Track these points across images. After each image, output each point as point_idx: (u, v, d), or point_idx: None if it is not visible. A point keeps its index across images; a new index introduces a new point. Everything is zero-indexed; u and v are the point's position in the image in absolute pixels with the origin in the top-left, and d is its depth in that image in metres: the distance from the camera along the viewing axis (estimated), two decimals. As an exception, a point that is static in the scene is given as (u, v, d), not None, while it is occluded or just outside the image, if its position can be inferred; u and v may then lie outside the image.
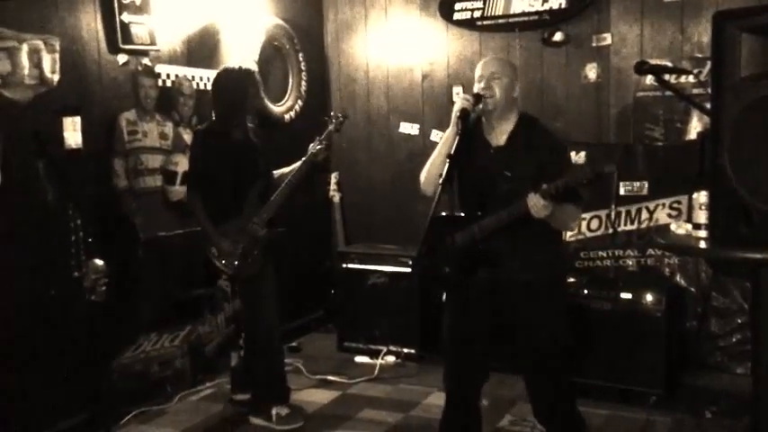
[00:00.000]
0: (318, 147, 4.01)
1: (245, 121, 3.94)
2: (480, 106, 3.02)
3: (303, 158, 4.01)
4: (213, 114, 4.02)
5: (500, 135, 3.09)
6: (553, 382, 3.15)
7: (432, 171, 3.09)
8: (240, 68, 3.96)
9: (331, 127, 4.13)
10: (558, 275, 3.27)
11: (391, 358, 4.94)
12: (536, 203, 2.83)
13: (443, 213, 3.16)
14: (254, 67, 4.69)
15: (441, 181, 2.84)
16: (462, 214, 3.13)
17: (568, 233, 4.77)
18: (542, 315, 3.08)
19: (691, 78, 4.46)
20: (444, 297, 3.35)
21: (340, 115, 4.18)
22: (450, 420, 3.25)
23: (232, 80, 3.88)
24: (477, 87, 3.07)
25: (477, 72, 3.10)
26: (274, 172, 4.06)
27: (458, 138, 2.93)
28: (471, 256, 3.04)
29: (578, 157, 4.72)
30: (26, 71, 3.52)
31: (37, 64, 3.57)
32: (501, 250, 3.01)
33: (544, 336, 3.08)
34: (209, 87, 4.68)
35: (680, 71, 4.47)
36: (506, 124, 3.09)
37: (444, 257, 3.05)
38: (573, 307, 4.20)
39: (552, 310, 3.12)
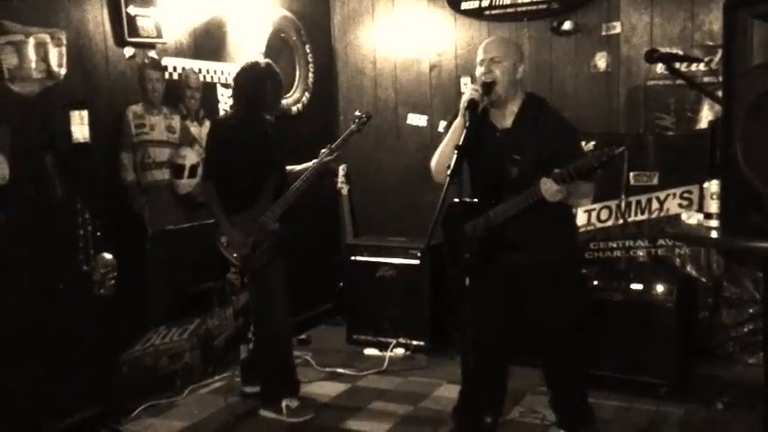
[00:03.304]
0: (328, 154, 3.97)
1: (262, 116, 3.92)
2: (489, 97, 3.01)
3: (315, 161, 3.98)
4: (232, 107, 4.00)
5: (505, 117, 3.10)
6: (570, 364, 3.20)
7: (441, 160, 3.10)
8: (261, 64, 3.93)
9: (353, 126, 4.07)
10: (572, 254, 3.30)
11: (400, 350, 4.92)
12: (549, 188, 2.86)
13: (456, 200, 3.17)
14: (263, 59, 4.66)
15: (449, 172, 2.82)
16: (476, 200, 3.13)
17: (578, 223, 4.75)
18: (559, 293, 3.13)
19: (702, 66, 4.42)
20: (467, 282, 3.36)
21: (363, 115, 4.10)
22: (471, 405, 3.27)
23: (251, 75, 3.85)
24: (478, 71, 3.06)
25: (479, 55, 3.09)
26: (287, 167, 4.04)
27: (466, 129, 2.91)
28: (489, 242, 3.06)
29: (588, 147, 4.69)
30: (33, 65, 3.51)
31: (44, 57, 3.56)
32: (517, 234, 3.04)
33: (562, 313, 3.12)
34: (215, 80, 4.69)
35: (691, 59, 4.42)
36: (511, 106, 3.09)
37: (463, 244, 3.05)
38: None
39: (569, 287, 3.19)
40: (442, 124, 5.37)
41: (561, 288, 3.17)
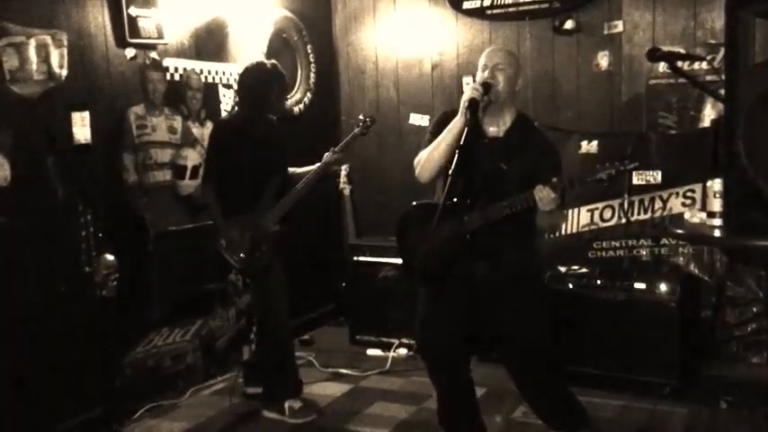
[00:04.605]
0: (331, 157, 3.98)
1: (267, 116, 3.92)
2: (489, 96, 2.99)
3: (317, 164, 3.98)
4: (236, 107, 4.00)
5: (497, 127, 3.06)
6: (540, 377, 3.12)
7: (433, 158, 3.02)
8: (267, 64, 3.92)
9: (356, 130, 4.09)
10: (537, 270, 3.24)
11: (403, 351, 4.92)
12: (546, 195, 2.81)
13: (418, 202, 3.14)
14: (267, 60, 4.65)
15: (450, 172, 2.80)
16: (447, 203, 3.03)
17: (581, 222, 4.74)
18: (524, 310, 3.04)
19: (704, 65, 4.41)
20: (422, 292, 3.27)
21: (368, 119, 4.12)
22: (448, 409, 3.22)
23: (257, 75, 3.85)
24: (480, 77, 3.03)
25: (482, 61, 3.06)
26: (289, 169, 4.03)
27: (467, 128, 2.89)
28: (458, 249, 2.99)
29: (590, 147, 4.68)
30: (34, 66, 3.51)
31: (45, 59, 3.56)
32: (486, 244, 2.97)
33: (527, 331, 3.04)
34: (217, 81, 4.69)
35: (693, 58, 4.42)
36: (505, 117, 3.06)
37: (421, 248, 2.97)
38: (586, 297, 4.20)
39: (533, 304, 3.09)
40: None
41: (525, 304, 3.06)
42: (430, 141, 3.09)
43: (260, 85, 3.83)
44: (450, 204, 2.94)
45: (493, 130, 3.07)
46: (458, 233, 2.97)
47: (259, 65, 3.93)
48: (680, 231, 3.27)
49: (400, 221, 3.23)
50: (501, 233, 2.94)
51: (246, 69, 3.92)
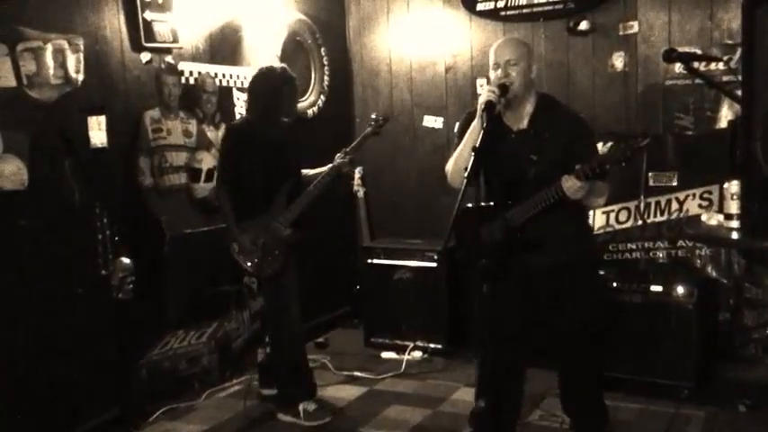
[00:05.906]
0: (342, 160, 3.97)
1: (279, 120, 3.91)
2: (507, 97, 2.99)
3: (328, 166, 3.97)
4: (247, 112, 4.01)
5: (520, 119, 3.08)
6: (587, 365, 3.17)
7: (458, 163, 3.07)
8: (276, 69, 3.92)
9: (368, 130, 4.08)
10: (590, 254, 3.26)
11: (418, 353, 4.90)
12: (572, 185, 2.83)
13: (470, 204, 3.16)
14: (278, 63, 4.67)
15: (466, 174, 2.81)
16: (491, 204, 3.09)
17: (597, 224, 4.72)
18: (580, 293, 3.11)
19: (721, 65, 4.37)
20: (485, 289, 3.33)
21: (380, 118, 4.11)
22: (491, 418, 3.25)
23: (267, 80, 3.85)
24: (492, 75, 3.04)
25: (492, 58, 3.06)
26: (303, 171, 4.04)
27: (483, 131, 2.89)
28: (509, 245, 3.02)
29: (605, 148, 4.65)
30: (51, 71, 3.54)
31: (61, 64, 3.58)
32: (536, 236, 3.02)
33: (583, 313, 3.09)
34: (231, 84, 4.71)
35: (709, 58, 4.38)
36: (526, 107, 3.08)
37: (480, 249, 3.03)
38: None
39: (589, 287, 3.15)
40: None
41: (581, 289, 3.15)
42: (457, 146, 3.15)
43: (270, 91, 3.82)
44: (490, 206, 3.01)
45: (516, 123, 3.09)
46: (506, 231, 3.02)
47: (269, 70, 3.92)
48: (697, 233, 3.26)
49: (457, 225, 3.24)
50: (548, 223, 2.99)
51: (257, 75, 3.92)
